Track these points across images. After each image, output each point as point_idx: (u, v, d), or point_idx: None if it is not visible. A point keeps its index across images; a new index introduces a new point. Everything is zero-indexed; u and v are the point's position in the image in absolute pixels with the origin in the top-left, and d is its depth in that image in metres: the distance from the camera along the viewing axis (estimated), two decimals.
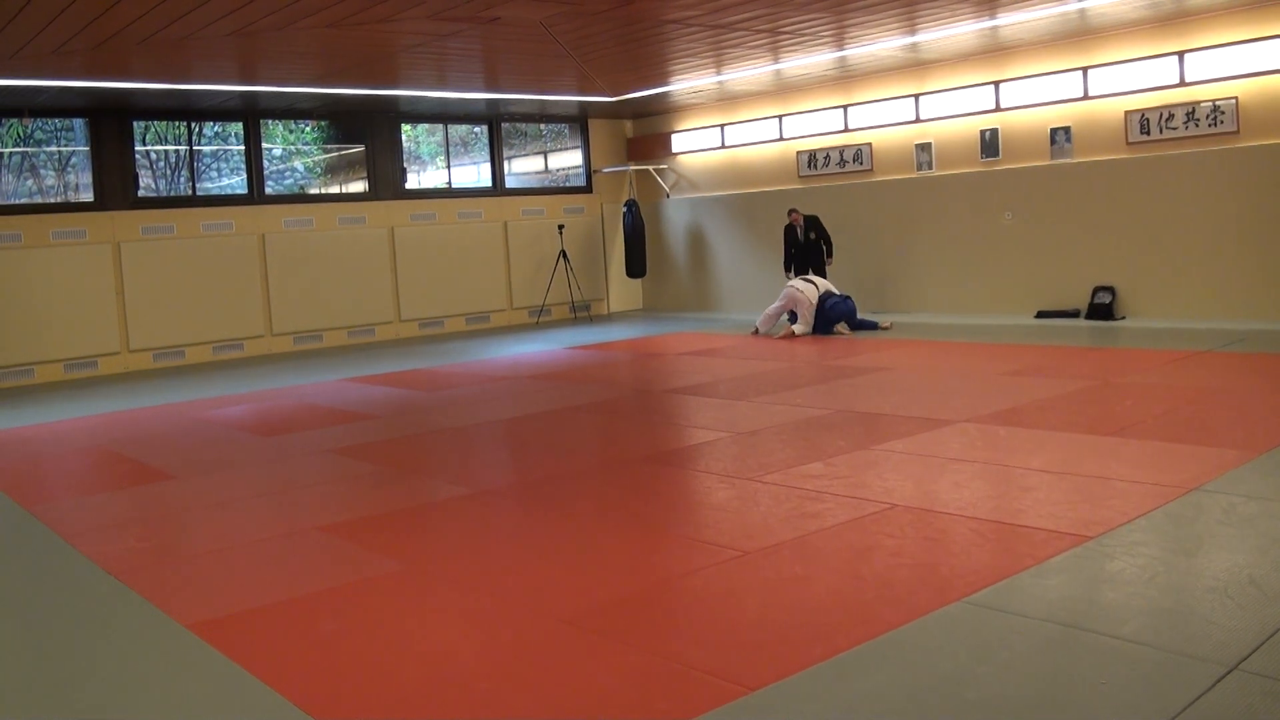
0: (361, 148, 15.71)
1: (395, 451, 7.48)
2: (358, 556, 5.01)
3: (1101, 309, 12.44)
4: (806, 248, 14.23)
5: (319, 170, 15.82)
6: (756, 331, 13.42)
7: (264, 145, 14.85)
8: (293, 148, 15.53)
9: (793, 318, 13.25)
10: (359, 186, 15.78)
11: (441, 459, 7.23)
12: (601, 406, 8.86)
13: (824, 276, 13.95)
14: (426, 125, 16.54)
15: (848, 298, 13.09)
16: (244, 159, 14.67)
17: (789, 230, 14.42)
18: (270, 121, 14.98)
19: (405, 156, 16.13)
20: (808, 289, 13.04)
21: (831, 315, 12.87)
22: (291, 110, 14.74)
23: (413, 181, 16.28)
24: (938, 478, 5.81)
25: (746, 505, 5.48)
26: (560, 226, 16.92)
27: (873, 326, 13.02)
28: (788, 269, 14.45)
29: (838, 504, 5.37)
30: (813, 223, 14.24)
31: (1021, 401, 7.78)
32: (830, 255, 14.25)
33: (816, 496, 5.52)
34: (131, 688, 3.74)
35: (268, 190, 14.87)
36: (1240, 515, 4.84)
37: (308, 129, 15.54)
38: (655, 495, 5.88)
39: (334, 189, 15.81)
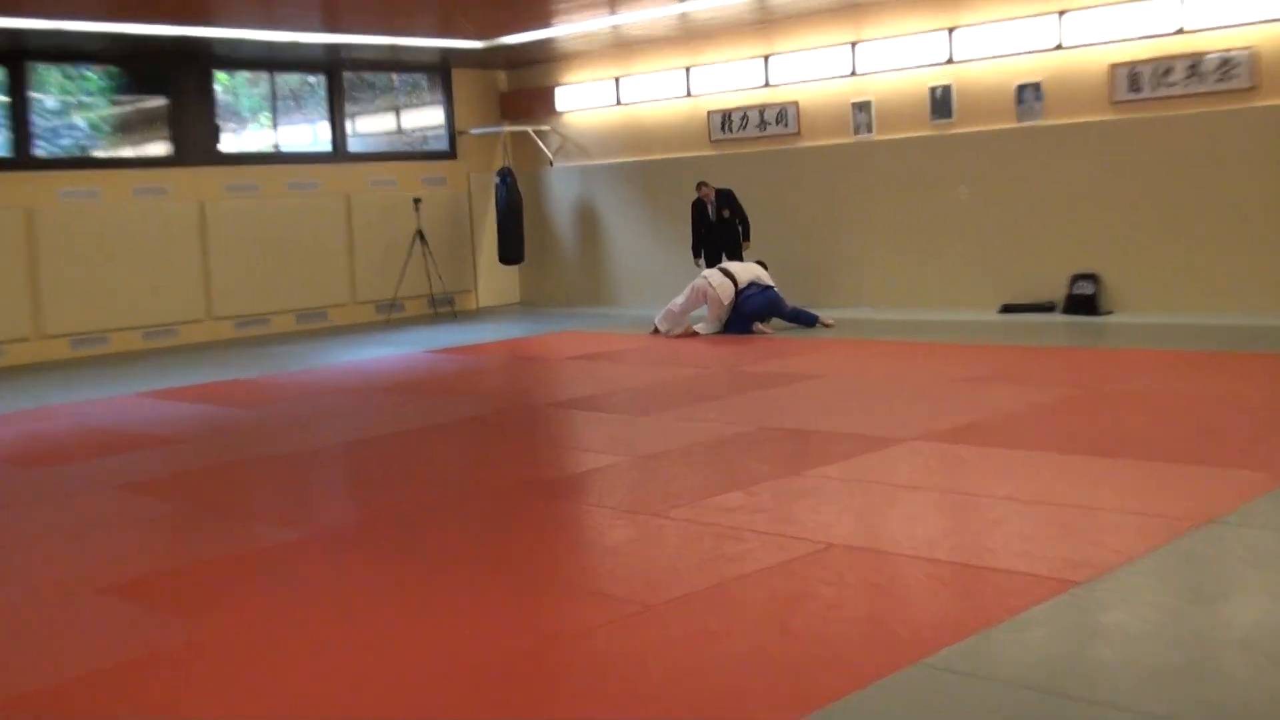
0: (163, 100, 15.41)
1: (203, 486, 7.31)
2: (150, 624, 4.86)
3: (1081, 301, 12.63)
4: (719, 228, 14.26)
5: (107, 128, 15.48)
6: (656, 331, 13.42)
7: (33, 95, 14.45)
8: (72, 99, 15.15)
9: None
10: (160, 149, 15.45)
11: (265, 494, 7.08)
12: (469, 425, 8.78)
13: (739, 260, 13.97)
14: (247, 73, 16.27)
15: (768, 289, 13.14)
16: (7, 113, 14.29)
17: (697, 207, 14.44)
18: (41, 65, 14.60)
19: (219, 112, 15.85)
20: (722, 284, 13.02)
21: (746, 310, 12.90)
22: (70, 52, 14.38)
23: (229, 143, 15.99)
24: (884, 510, 5.81)
25: (649, 547, 5.45)
26: (416, 201, 16.79)
27: (811, 321, 13.07)
28: (697, 254, 14.48)
29: (761, 544, 5.34)
30: (726, 198, 14.27)
31: (985, 414, 7.83)
32: (747, 237, 14.29)
33: (735, 535, 5.49)
34: None
35: (37, 152, 14.46)
36: (1266, 553, 4.88)
37: (92, 76, 15.19)
38: (536, 535, 5.83)
39: (126, 152, 15.47)
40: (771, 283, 13.23)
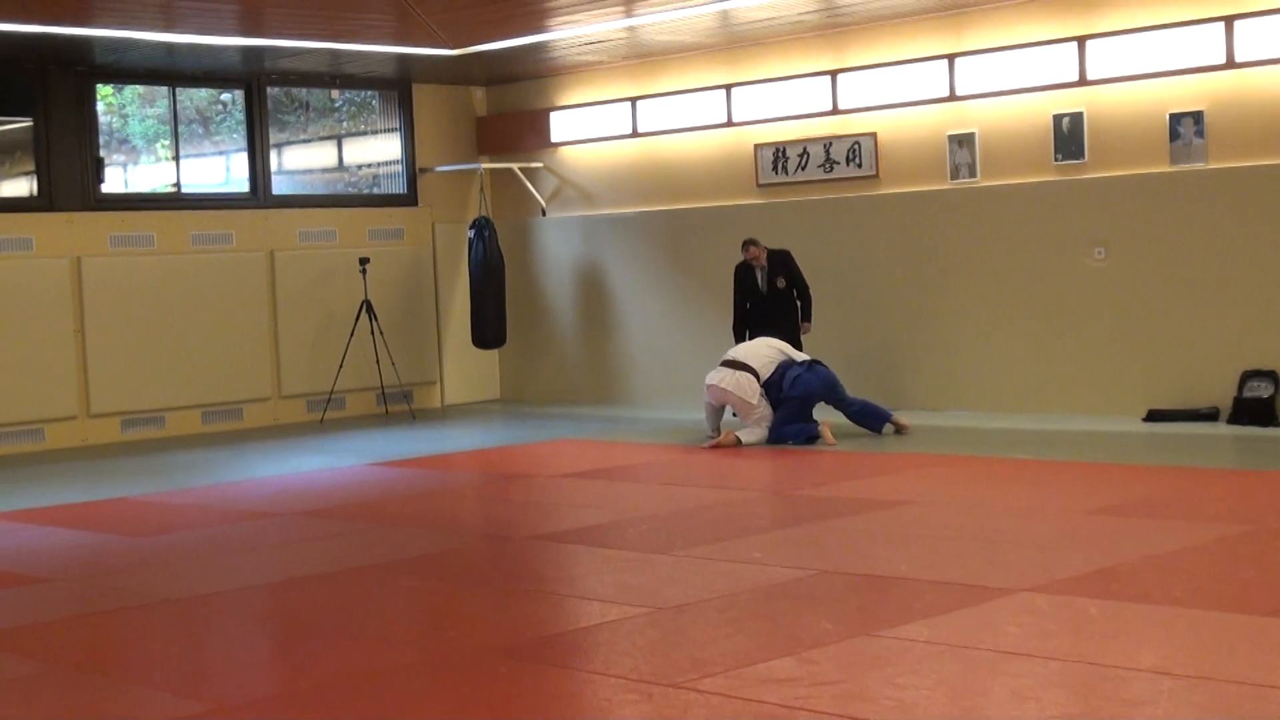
0: (27, 123, 15.51)
1: (78, 639, 7.32)
2: None
3: (1256, 407, 12.61)
4: (771, 302, 14.29)
5: None
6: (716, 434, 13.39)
7: None
8: None
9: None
10: (21, 189, 15.57)
11: (157, 653, 7.07)
12: (428, 565, 8.78)
13: (798, 345, 14.01)
14: (141, 88, 16.42)
15: (814, 364, 13.24)
16: None
17: (743, 273, 14.50)
18: None
19: (104, 140, 15.97)
20: (738, 382, 13.09)
21: (800, 392, 12.93)
22: None
23: (114, 182, 16.11)
24: (986, 685, 5.81)
25: None
26: (363, 261, 16.84)
27: (880, 421, 13.18)
28: (739, 335, 14.50)
29: None
30: (781, 262, 14.31)
31: (1124, 558, 7.84)
32: (808, 316, 14.32)
33: (787, 716, 5.51)
34: None
35: None
36: None
37: None
38: (519, 713, 5.83)
39: None
40: (804, 356, 13.38)
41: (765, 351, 13.39)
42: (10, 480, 13.15)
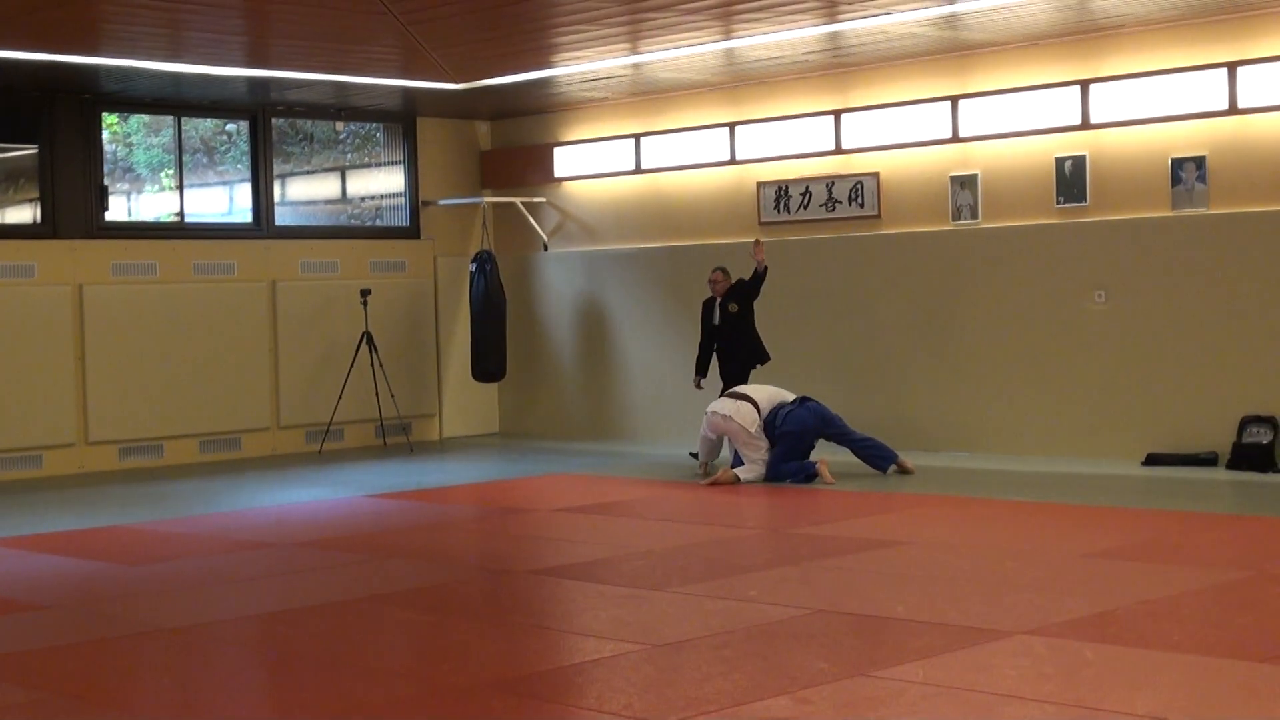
0: (32, 150, 15.54)
1: (70, 668, 7.31)
2: None
3: (1255, 453, 12.61)
4: (725, 329, 14.35)
5: None
6: (705, 470, 13.40)
7: None
8: None
9: (736, 457, 13.33)
10: (24, 216, 15.60)
11: (150, 683, 7.07)
12: (424, 597, 8.78)
13: (743, 380, 14.01)
14: (145, 117, 16.46)
15: (805, 400, 13.22)
16: None
17: (707, 307, 14.60)
18: None
19: (108, 169, 16.01)
20: (741, 410, 13.09)
21: (792, 428, 12.91)
22: None
23: (118, 210, 16.14)
24: None
25: None
26: (364, 293, 16.84)
27: (885, 460, 13.15)
28: (700, 369, 14.62)
29: None
30: (737, 290, 14.32)
31: (1121, 602, 7.82)
32: (761, 355, 14.33)
33: None
34: None
35: None
36: None
37: None
38: None
39: None
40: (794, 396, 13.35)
41: (767, 390, 13.40)
42: (7, 507, 13.13)
